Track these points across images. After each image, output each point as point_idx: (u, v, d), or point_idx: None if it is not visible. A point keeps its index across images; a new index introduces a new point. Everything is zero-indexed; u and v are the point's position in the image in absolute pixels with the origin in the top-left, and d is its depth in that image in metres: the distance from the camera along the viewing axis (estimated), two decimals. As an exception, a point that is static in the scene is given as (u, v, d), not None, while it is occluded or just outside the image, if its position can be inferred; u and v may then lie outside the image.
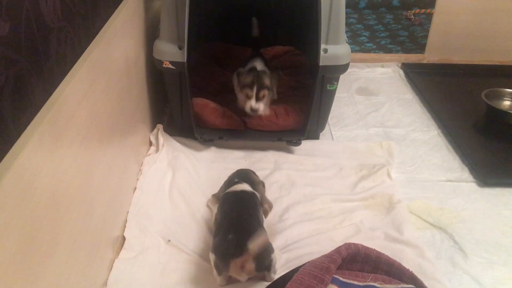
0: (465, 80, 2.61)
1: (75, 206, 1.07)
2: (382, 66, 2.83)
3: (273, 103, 2.04)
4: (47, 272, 0.93)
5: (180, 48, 1.74)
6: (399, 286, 1.30)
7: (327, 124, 2.16)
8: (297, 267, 1.35)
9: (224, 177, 1.74)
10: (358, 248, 1.36)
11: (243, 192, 1.48)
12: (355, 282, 1.33)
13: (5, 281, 0.76)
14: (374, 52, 3.09)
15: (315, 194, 1.74)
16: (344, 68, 1.81)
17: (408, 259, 1.45)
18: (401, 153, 2.02)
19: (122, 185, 1.55)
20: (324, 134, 2.14)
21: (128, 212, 1.57)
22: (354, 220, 1.62)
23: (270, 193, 1.72)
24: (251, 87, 1.83)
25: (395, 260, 1.35)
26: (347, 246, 1.35)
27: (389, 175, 1.83)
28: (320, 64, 1.76)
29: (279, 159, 1.93)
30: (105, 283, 1.31)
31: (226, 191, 1.50)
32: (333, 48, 1.76)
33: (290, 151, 1.98)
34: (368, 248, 1.37)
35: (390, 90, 2.57)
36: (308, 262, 1.34)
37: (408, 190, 1.78)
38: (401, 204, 1.67)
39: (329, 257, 1.32)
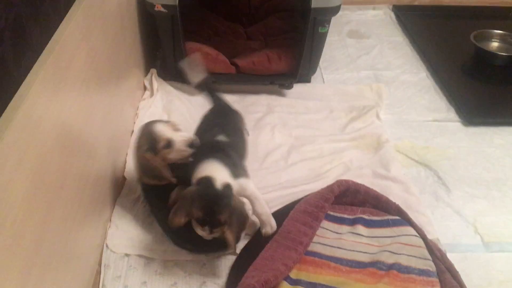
0: (455, 22, 2.62)
1: (79, 147, 1.13)
2: (374, 9, 2.83)
3: (265, 47, 2.06)
4: (56, 207, 0.99)
5: (171, -10, 1.73)
6: (385, 217, 1.40)
7: (318, 68, 2.20)
8: (292, 203, 1.43)
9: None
10: (348, 184, 1.44)
11: None
12: (346, 216, 1.43)
13: (20, 212, 0.82)
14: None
15: (306, 135, 1.81)
16: (335, 10, 1.82)
17: (394, 194, 1.53)
18: (390, 95, 2.07)
19: (120, 128, 1.60)
20: (315, 78, 2.17)
21: (126, 154, 1.63)
22: (344, 159, 1.69)
23: (262, 135, 1.78)
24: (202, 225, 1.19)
25: (382, 195, 1.45)
26: (339, 183, 1.43)
27: (378, 116, 1.89)
28: (313, 6, 1.77)
29: (272, 102, 1.98)
30: (109, 219, 1.39)
31: None
32: (325, -10, 1.77)
33: (282, 95, 2.02)
34: (357, 183, 1.45)
35: (381, 32, 2.59)
36: (303, 199, 1.43)
37: (395, 131, 1.85)
38: (389, 143, 1.74)
39: (323, 195, 1.40)
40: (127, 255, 1.31)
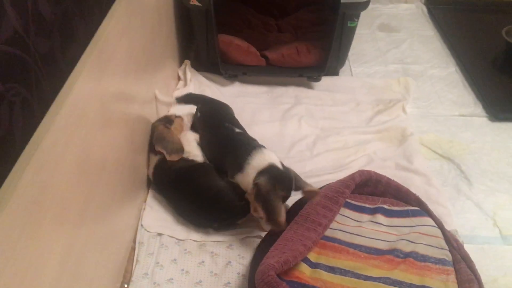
0: (486, 17, 2.61)
1: (120, 130, 1.23)
2: (406, 2, 2.83)
3: (295, 40, 2.12)
4: (98, 187, 1.09)
5: (206, -15, 1.81)
6: (405, 208, 1.45)
7: (347, 61, 2.25)
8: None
9: (247, 111, 1.88)
10: (370, 174, 1.50)
11: None
12: (366, 205, 1.49)
13: (67, 191, 0.92)
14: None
15: (332, 127, 1.87)
16: (364, 5, 1.86)
17: (416, 186, 1.58)
18: (417, 88, 2.10)
19: (155, 116, 1.70)
20: (343, 71, 2.22)
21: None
22: (368, 151, 1.74)
23: (289, 125, 1.85)
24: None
25: (403, 186, 1.50)
26: (361, 173, 1.49)
27: (404, 109, 1.93)
28: (342, 1, 1.82)
29: (300, 94, 2.04)
30: (144, 201, 1.49)
31: None
32: (354, -14, 1.81)
33: (310, 87, 2.08)
34: (379, 174, 1.51)
35: (412, 26, 2.60)
36: (326, 185, 1.49)
37: (421, 124, 1.88)
38: (413, 136, 1.78)
39: (344, 182, 1.46)
40: (159, 234, 1.41)
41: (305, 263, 1.29)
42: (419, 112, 1.96)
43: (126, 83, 1.31)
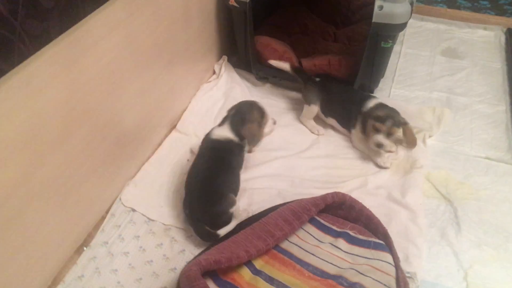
0: None
1: (135, 116, 1.46)
2: (485, 29, 2.64)
3: (330, 52, 2.11)
4: (91, 151, 1.32)
5: (245, -12, 1.89)
6: (371, 239, 1.43)
7: (390, 80, 2.19)
8: (285, 203, 1.53)
9: (272, 113, 1.93)
10: (345, 198, 1.49)
11: (218, 142, 1.53)
12: (333, 227, 1.48)
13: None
14: (485, 12, 2.86)
15: (344, 142, 1.85)
16: (399, 27, 1.80)
17: (398, 220, 1.53)
18: (453, 122, 1.98)
19: (175, 103, 1.85)
20: (382, 89, 2.17)
21: (176, 126, 1.87)
22: (367, 175, 1.70)
23: (306, 132, 1.89)
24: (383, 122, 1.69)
25: (375, 217, 1.46)
26: (335, 194, 1.48)
27: (424, 140, 1.85)
28: (374, 21, 1.78)
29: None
30: (131, 178, 1.65)
31: (206, 134, 1.58)
32: (390, 6, 1.76)
33: (338, 100, 2.06)
34: (354, 200, 1.49)
35: (480, 55, 2.43)
36: (297, 200, 1.51)
37: (438, 159, 1.79)
38: (421, 170, 1.71)
39: (314, 200, 1.47)
40: (133, 210, 1.54)
41: (248, 268, 1.33)
42: (442, 146, 1.86)
43: (149, 71, 1.57)
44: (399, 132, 1.74)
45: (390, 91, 2.17)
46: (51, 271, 1.33)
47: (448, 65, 2.36)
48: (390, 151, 1.75)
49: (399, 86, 2.21)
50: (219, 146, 1.52)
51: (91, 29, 1.24)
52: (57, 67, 1.14)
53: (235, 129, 1.55)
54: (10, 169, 1.07)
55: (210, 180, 1.44)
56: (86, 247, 1.43)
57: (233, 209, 1.45)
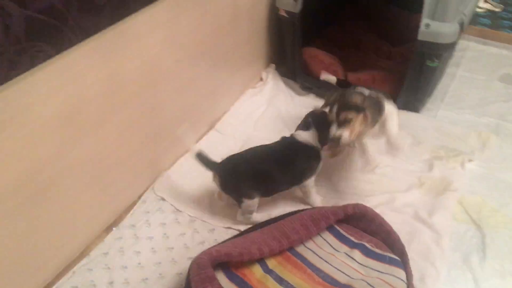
0: None
1: (174, 111, 1.58)
2: (552, 56, 2.52)
3: (376, 66, 2.11)
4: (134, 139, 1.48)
5: (295, -1, 1.95)
6: (387, 253, 1.42)
7: (439, 101, 2.16)
8: (305, 209, 1.55)
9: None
10: (366, 210, 1.49)
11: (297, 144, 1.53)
12: (351, 238, 1.49)
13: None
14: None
15: (380, 157, 1.84)
16: (446, 47, 1.78)
17: (420, 239, 1.51)
18: (498, 148, 1.91)
19: (218, 104, 1.94)
20: (429, 109, 2.13)
21: (215, 126, 1.95)
22: (397, 192, 1.69)
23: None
24: (331, 107, 1.46)
25: (394, 232, 1.46)
26: (355, 206, 1.49)
27: (462, 164, 1.80)
28: (419, 38, 1.78)
29: (366, 120, 2.04)
30: (166, 169, 1.74)
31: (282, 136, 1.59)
32: (437, 25, 1.75)
33: (380, 116, 2.05)
34: (375, 213, 1.49)
35: (541, 85, 2.33)
36: (318, 207, 1.54)
37: (475, 184, 1.74)
38: (454, 193, 1.67)
39: (334, 209, 1.49)
40: (163, 199, 1.63)
41: (260, 266, 1.37)
42: (482, 171, 1.80)
43: (192, 70, 1.68)
44: (358, 120, 1.45)
45: (438, 111, 2.13)
46: (80, 244, 1.45)
47: (504, 91, 2.28)
48: (345, 145, 1.58)
49: (448, 107, 2.16)
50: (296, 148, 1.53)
51: (136, 25, 1.35)
52: (99, 56, 1.25)
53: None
54: (47, 145, 1.19)
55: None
56: (115, 228, 1.53)
57: None
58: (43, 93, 1.13)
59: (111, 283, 1.38)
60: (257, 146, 1.55)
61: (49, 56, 1.15)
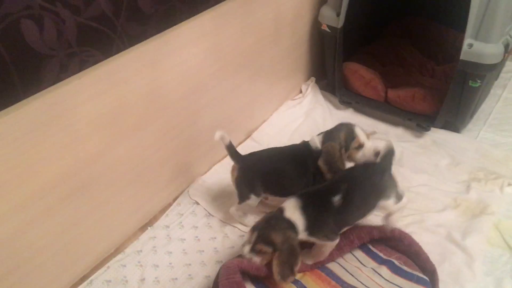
0: None
1: (212, 119, 1.68)
2: None
3: (417, 83, 2.10)
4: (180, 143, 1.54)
5: (338, 15, 1.97)
6: (415, 272, 1.41)
7: (482, 122, 2.11)
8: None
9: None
10: (393, 233, 1.48)
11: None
12: (380, 254, 1.50)
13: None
14: None
15: (416, 176, 1.82)
16: (489, 68, 1.75)
17: (452, 261, 1.48)
18: (542, 173, 1.86)
19: (255, 113, 1.98)
20: (471, 130, 2.09)
21: (251, 135, 2.00)
22: (431, 212, 1.66)
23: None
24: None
25: (424, 252, 1.45)
26: (382, 229, 1.49)
27: (501, 187, 1.75)
28: (462, 58, 1.76)
29: (403, 136, 2.03)
30: (202, 175, 1.80)
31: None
32: (480, 45, 1.73)
33: (418, 135, 2.04)
34: (404, 233, 1.49)
35: None
36: (357, 227, 1.52)
37: (515, 209, 1.70)
38: (491, 216, 1.63)
39: (371, 230, 1.49)
40: (197, 203, 1.68)
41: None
42: (522, 196, 1.75)
43: (235, 77, 1.75)
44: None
45: (479, 133, 2.08)
46: (115, 241, 1.51)
47: (552, 116, 2.20)
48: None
49: (490, 129, 2.11)
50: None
51: (181, 34, 1.41)
52: (143, 63, 1.32)
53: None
54: (91, 144, 1.27)
55: None
56: (150, 227, 1.60)
57: None
58: (89, 95, 1.20)
59: (142, 280, 1.43)
60: (280, 147, 1.58)
61: (97, 61, 1.23)
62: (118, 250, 1.52)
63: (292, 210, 1.28)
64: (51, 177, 1.20)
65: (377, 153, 1.45)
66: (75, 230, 1.34)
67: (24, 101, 1.08)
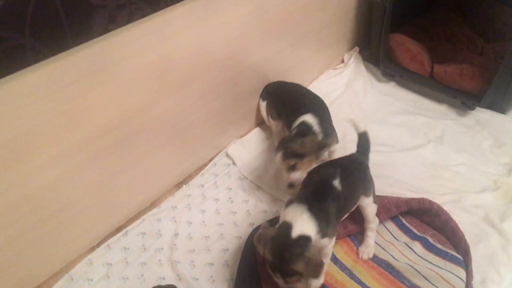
0: None
1: (255, 81, 1.66)
2: None
3: (465, 60, 2.03)
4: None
5: (388, -17, 1.90)
6: (449, 250, 1.40)
7: (529, 105, 2.03)
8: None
9: (384, 110, 1.95)
10: (432, 206, 1.46)
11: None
12: (414, 230, 1.48)
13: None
14: None
15: (456, 155, 1.78)
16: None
17: (487, 243, 1.46)
18: None
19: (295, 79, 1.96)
20: (517, 112, 2.02)
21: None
22: (469, 192, 1.63)
23: (417, 137, 1.85)
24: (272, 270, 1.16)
25: (460, 230, 1.43)
26: (421, 200, 1.47)
27: (545, 172, 1.70)
28: (516, 35, 1.68)
29: (447, 113, 1.98)
30: (240, 137, 1.81)
31: None
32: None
33: (462, 113, 1.98)
34: (442, 209, 1.47)
35: None
36: (380, 196, 1.50)
37: (557, 195, 1.64)
38: (533, 201, 1.59)
39: (397, 201, 1.47)
40: (233, 164, 1.70)
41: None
42: None
43: (276, 42, 1.71)
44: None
45: (526, 115, 2.00)
46: (152, 195, 1.55)
47: None
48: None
49: (541, 113, 2.02)
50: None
51: (227, -6, 1.39)
52: (191, 19, 1.31)
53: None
54: (135, 97, 1.28)
55: None
56: (185, 185, 1.62)
57: None
58: (137, 49, 1.21)
59: (176, 235, 1.46)
60: None
61: (145, 14, 1.22)
62: (153, 204, 1.55)
63: (300, 222, 1.13)
64: (95, 127, 1.22)
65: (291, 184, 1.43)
66: (114, 181, 1.37)
67: (73, 49, 1.09)
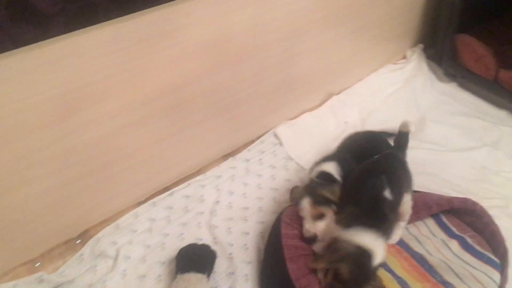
0: None
1: (308, 67, 1.68)
2: None
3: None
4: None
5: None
6: (486, 252, 1.37)
7: None
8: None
9: (441, 109, 1.91)
10: (475, 207, 1.44)
11: None
12: (453, 228, 1.46)
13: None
14: None
15: (509, 161, 1.73)
16: None
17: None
18: None
19: (351, 73, 1.97)
20: None
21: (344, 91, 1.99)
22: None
23: (470, 138, 1.81)
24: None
25: (500, 234, 1.40)
26: (464, 200, 1.45)
27: None
28: None
29: (507, 120, 1.91)
30: (290, 119, 1.84)
31: None
32: None
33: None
34: (484, 210, 1.44)
35: None
36: (423, 193, 1.50)
37: None
38: None
39: (439, 200, 1.46)
40: (280, 144, 1.75)
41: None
42: None
43: (327, 33, 1.71)
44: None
45: None
46: (199, 162, 1.63)
47: None
48: None
49: None
50: None
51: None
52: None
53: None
54: (192, 65, 1.36)
55: None
56: (231, 157, 1.69)
57: None
58: (199, 18, 1.27)
59: (217, 202, 1.53)
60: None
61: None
62: (200, 171, 1.63)
63: (379, 250, 1.14)
64: (153, 89, 1.30)
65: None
66: (164, 144, 1.46)
67: (142, 11, 1.17)
